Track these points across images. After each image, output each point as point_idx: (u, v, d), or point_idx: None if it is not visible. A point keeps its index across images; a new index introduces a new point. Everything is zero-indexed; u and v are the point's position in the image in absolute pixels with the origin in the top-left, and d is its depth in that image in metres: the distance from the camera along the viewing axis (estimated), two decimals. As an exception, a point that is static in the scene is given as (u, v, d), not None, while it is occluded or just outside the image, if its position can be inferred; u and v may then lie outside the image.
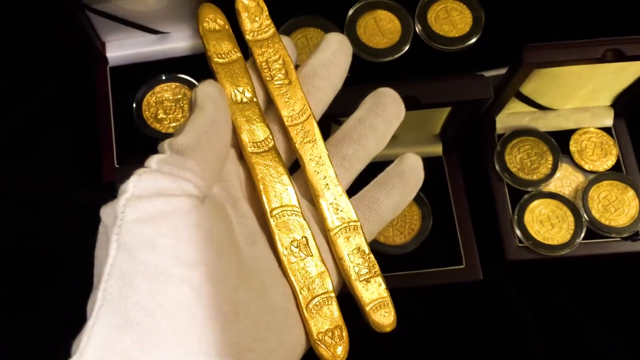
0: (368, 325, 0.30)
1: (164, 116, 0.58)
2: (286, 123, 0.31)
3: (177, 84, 0.60)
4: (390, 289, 0.30)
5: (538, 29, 0.63)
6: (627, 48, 0.49)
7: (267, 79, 0.31)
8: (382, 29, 0.60)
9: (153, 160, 0.26)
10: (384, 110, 0.32)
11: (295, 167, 0.31)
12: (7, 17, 0.63)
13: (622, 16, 0.64)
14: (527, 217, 0.57)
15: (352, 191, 0.32)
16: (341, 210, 0.30)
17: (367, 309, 0.29)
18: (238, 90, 0.30)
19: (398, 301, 0.30)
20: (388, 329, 0.29)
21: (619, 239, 0.57)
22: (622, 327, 0.56)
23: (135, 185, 0.25)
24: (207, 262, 0.25)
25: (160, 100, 0.59)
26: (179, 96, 0.59)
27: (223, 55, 0.31)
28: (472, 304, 0.57)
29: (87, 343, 0.22)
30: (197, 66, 0.60)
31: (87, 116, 0.59)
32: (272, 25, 0.32)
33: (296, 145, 0.31)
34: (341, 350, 0.28)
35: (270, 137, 0.30)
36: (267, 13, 0.32)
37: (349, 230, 0.30)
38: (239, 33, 0.32)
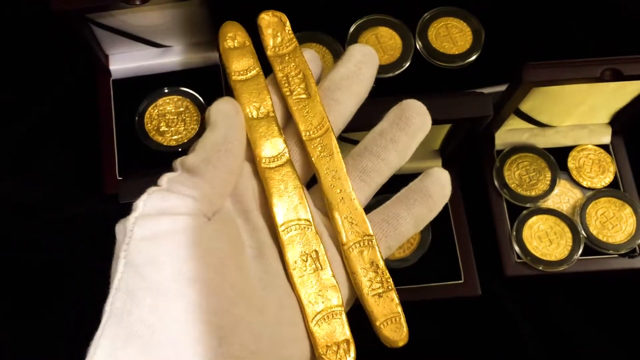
0: (379, 340, 0.30)
1: (166, 129, 0.59)
2: (304, 137, 0.31)
3: (179, 97, 0.60)
4: None
5: (537, 47, 0.64)
6: (625, 68, 0.49)
7: (287, 93, 0.31)
8: (383, 45, 0.61)
9: (164, 179, 0.27)
10: (407, 123, 0.31)
11: (314, 182, 0.31)
12: (11, 28, 0.63)
13: (622, 34, 0.64)
14: (526, 233, 0.57)
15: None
16: (356, 224, 0.30)
17: (378, 323, 0.29)
18: (255, 106, 0.30)
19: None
20: (400, 344, 0.29)
21: (617, 255, 0.57)
22: (621, 343, 0.56)
23: (144, 204, 0.26)
24: (205, 279, 0.25)
25: (163, 113, 0.59)
26: (181, 109, 0.59)
27: (241, 73, 0.31)
28: (470, 319, 0.57)
29: (94, 353, 0.23)
30: (199, 79, 0.60)
31: (89, 128, 0.59)
32: (294, 39, 0.32)
33: (313, 159, 0.31)
34: None
35: (286, 151, 0.30)
36: (289, 27, 0.32)
37: (363, 245, 0.30)
38: (260, 47, 0.32)
